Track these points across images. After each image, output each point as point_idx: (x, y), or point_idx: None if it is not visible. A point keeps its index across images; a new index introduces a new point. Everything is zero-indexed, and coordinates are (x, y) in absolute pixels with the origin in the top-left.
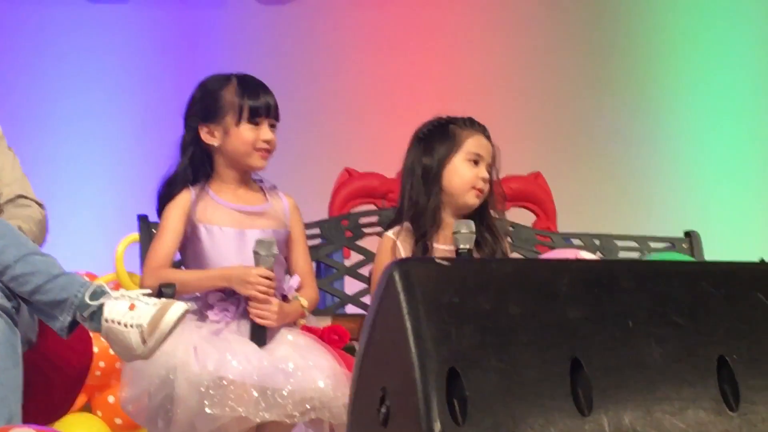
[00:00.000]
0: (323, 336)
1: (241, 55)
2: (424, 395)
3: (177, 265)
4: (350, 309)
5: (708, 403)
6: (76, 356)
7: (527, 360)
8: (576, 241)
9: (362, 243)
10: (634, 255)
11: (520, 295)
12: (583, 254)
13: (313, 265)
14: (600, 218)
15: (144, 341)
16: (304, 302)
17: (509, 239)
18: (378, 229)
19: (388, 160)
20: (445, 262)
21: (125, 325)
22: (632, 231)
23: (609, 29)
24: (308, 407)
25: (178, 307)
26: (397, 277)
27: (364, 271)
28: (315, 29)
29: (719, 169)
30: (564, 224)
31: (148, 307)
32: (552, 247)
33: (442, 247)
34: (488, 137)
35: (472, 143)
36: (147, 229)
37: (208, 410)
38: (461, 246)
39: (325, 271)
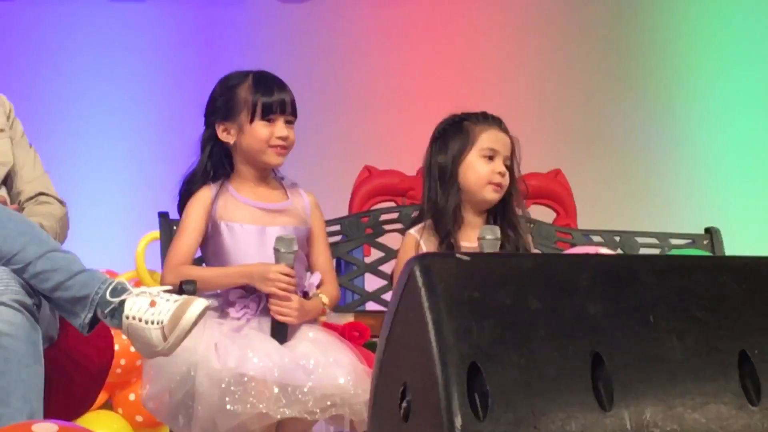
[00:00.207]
0: (344, 333)
1: (261, 52)
2: (445, 390)
3: (198, 262)
4: (370, 306)
5: (729, 397)
6: (97, 353)
7: (548, 355)
8: (596, 238)
9: (382, 240)
10: (655, 251)
11: (540, 290)
12: (603, 251)
13: (334, 262)
14: (620, 215)
15: (165, 338)
16: (325, 299)
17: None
18: (398, 225)
19: (408, 158)
20: (465, 258)
21: (146, 322)
22: (652, 228)
23: (627, 27)
24: (329, 404)
25: (198, 304)
26: (418, 272)
27: (385, 268)
28: (334, 27)
29: (739, 166)
30: (584, 221)
31: (168, 304)
32: (572, 244)
33: (465, 245)
34: (504, 130)
35: (486, 138)
36: (168, 227)
37: (229, 407)
38: (486, 252)
39: (346, 268)
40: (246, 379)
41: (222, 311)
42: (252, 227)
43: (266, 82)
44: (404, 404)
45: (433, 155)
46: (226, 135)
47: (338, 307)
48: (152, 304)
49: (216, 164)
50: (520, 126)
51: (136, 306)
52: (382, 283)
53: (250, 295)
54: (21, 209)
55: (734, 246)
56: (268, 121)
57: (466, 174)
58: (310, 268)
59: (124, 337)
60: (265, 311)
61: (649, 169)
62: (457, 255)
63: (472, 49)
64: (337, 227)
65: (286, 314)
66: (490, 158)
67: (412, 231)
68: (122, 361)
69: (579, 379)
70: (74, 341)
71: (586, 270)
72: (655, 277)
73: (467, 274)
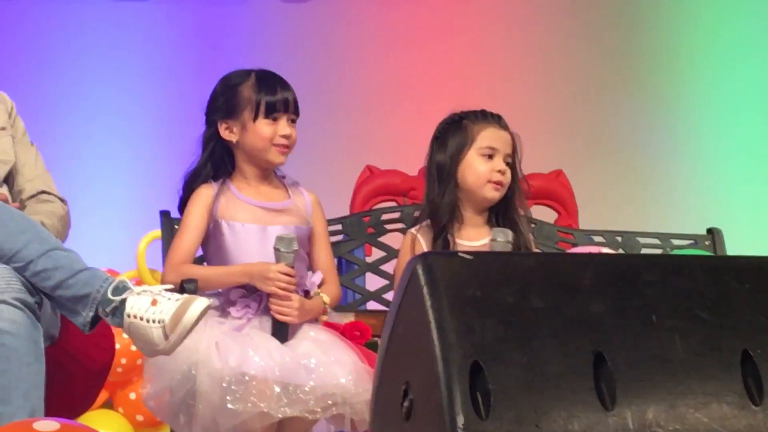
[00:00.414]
0: (345, 332)
1: (263, 52)
2: (447, 389)
3: (199, 261)
4: (372, 305)
5: (732, 397)
6: (98, 352)
7: (550, 354)
8: (598, 238)
9: (384, 239)
10: (657, 252)
11: (542, 289)
12: (605, 251)
13: (335, 261)
14: (622, 216)
15: (166, 336)
16: (326, 298)
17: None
18: (400, 225)
19: (410, 158)
20: (468, 256)
21: (147, 321)
22: (654, 229)
23: (629, 27)
24: (330, 403)
25: (200, 303)
26: (420, 270)
27: (386, 267)
28: (336, 26)
29: (741, 167)
30: (585, 222)
31: (170, 303)
32: (574, 244)
33: (465, 243)
34: (504, 127)
35: (485, 137)
36: (169, 225)
37: (230, 405)
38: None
39: (347, 267)
40: (247, 378)
41: (223, 310)
42: (253, 226)
43: (269, 81)
44: (406, 403)
45: (433, 154)
46: (228, 133)
47: (339, 307)
48: (154, 302)
49: (217, 163)
50: (522, 126)
51: (137, 305)
52: (384, 282)
53: (251, 295)
54: (22, 207)
55: (736, 247)
56: (272, 119)
57: (465, 173)
58: (311, 268)
59: (125, 336)
60: (266, 310)
61: (651, 170)
62: (460, 254)
63: (475, 49)
64: (339, 226)
65: (286, 314)
66: (490, 157)
67: (412, 230)
68: (123, 360)
69: (581, 379)
70: (75, 340)
71: (588, 269)
72: (658, 276)
73: (469, 273)
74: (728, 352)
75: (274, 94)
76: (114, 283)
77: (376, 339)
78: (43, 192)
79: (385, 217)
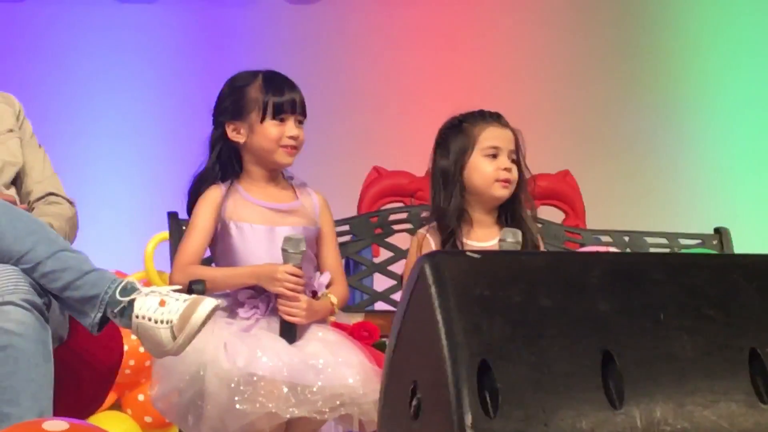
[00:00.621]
0: (353, 332)
1: (269, 53)
2: (455, 387)
3: (207, 261)
4: (380, 306)
5: (740, 395)
6: (106, 353)
7: (558, 352)
8: (605, 238)
9: (391, 240)
10: (664, 251)
11: (550, 288)
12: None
13: (343, 262)
14: (629, 216)
15: (174, 337)
16: (334, 299)
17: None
18: (407, 225)
19: (417, 159)
20: (475, 255)
21: (155, 321)
22: (661, 229)
23: (636, 27)
24: (338, 403)
25: (208, 303)
26: (428, 269)
27: (394, 267)
28: (343, 28)
29: (748, 166)
30: (593, 222)
31: (178, 303)
32: (582, 244)
33: (475, 245)
34: (504, 124)
35: (486, 137)
36: (177, 227)
37: (238, 406)
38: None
39: (355, 268)
40: (255, 378)
41: (231, 311)
42: (261, 227)
43: (277, 82)
44: (414, 402)
45: (437, 161)
46: (236, 134)
47: (347, 307)
48: (162, 303)
49: (225, 164)
50: (529, 127)
51: (145, 305)
52: (392, 283)
53: (259, 296)
54: (30, 209)
55: (743, 246)
56: (279, 120)
57: (471, 176)
58: (319, 268)
59: (133, 337)
60: (274, 311)
61: (658, 170)
62: (467, 253)
63: (481, 49)
64: (346, 227)
65: (294, 314)
66: (494, 156)
67: (421, 230)
68: (131, 362)
69: (589, 377)
70: (84, 341)
71: (596, 268)
72: (666, 275)
73: (477, 272)
74: (736, 351)
75: (281, 95)
76: (122, 284)
77: (384, 339)
78: (51, 194)
79: (392, 217)
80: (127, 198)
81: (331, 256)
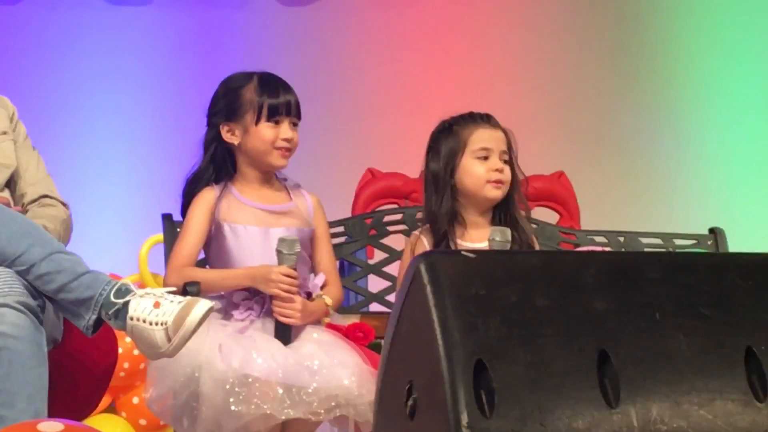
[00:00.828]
0: (348, 333)
1: (263, 55)
2: (451, 387)
3: (201, 263)
4: (374, 307)
5: (736, 394)
6: (101, 355)
7: (554, 352)
8: (600, 239)
9: (386, 241)
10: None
11: (546, 287)
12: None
13: (337, 263)
14: (624, 217)
15: (169, 339)
16: (329, 300)
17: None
18: (402, 227)
19: (411, 160)
20: (471, 255)
21: (150, 323)
22: (656, 229)
23: (630, 27)
24: (333, 404)
25: (203, 305)
26: (423, 269)
27: (389, 269)
28: (337, 30)
29: (743, 166)
30: (587, 223)
31: (173, 305)
32: (576, 245)
33: (469, 246)
34: (495, 125)
35: (476, 139)
36: (171, 228)
37: (233, 408)
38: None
39: (349, 269)
40: (250, 380)
41: (226, 313)
42: (255, 229)
43: (272, 84)
44: (410, 402)
45: (428, 164)
46: (230, 136)
47: (342, 309)
48: (156, 305)
49: (219, 165)
50: (523, 128)
51: (140, 307)
52: (386, 284)
53: (254, 297)
54: (24, 212)
55: (738, 246)
56: (274, 122)
57: (463, 178)
58: (313, 270)
59: (128, 339)
60: (269, 313)
61: (653, 170)
62: (463, 252)
63: (475, 51)
64: (341, 228)
65: (289, 315)
66: (485, 158)
67: (416, 231)
68: (126, 365)
69: (585, 376)
70: (78, 343)
71: (592, 267)
72: (662, 274)
73: (473, 272)
74: (732, 349)
75: (276, 98)
76: (117, 286)
77: (379, 340)
78: (45, 196)
79: (387, 218)
80: (121, 200)
81: (326, 257)
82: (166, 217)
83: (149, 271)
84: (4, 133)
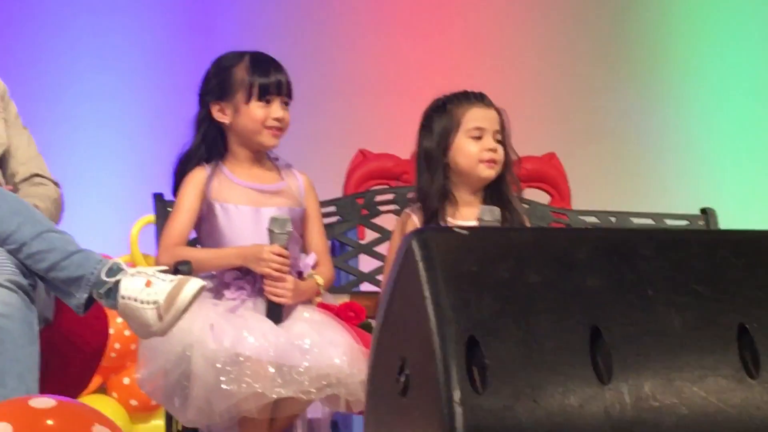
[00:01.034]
0: (339, 313)
1: (255, 36)
2: (443, 363)
3: (192, 243)
4: (366, 287)
5: (728, 371)
6: (92, 334)
7: (546, 328)
8: (591, 219)
9: (378, 221)
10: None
11: (539, 264)
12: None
13: (329, 243)
14: (615, 198)
15: (160, 318)
16: (320, 280)
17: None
18: (393, 207)
19: (403, 141)
20: (463, 232)
21: (141, 302)
22: (648, 210)
23: (621, 10)
24: (324, 384)
25: (194, 284)
26: (415, 246)
27: (380, 249)
28: (329, 11)
29: (733, 147)
30: (578, 204)
31: (164, 284)
32: (568, 225)
33: (459, 224)
34: (488, 104)
35: (470, 118)
36: (162, 208)
37: (224, 386)
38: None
39: (341, 249)
40: (242, 359)
41: (217, 292)
42: (247, 208)
43: (263, 63)
44: (402, 378)
45: (421, 142)
46: (221, 115)
47: (333, 288)
48: (148, 284)
49: (210, 145)
50: (514, 110)
51: (131, 286)
52: (378, 264)
53: (245, 276)
54: (15, 190)
55: (729, 226)
56: (265, 102)
57: (456, 157)
58: (304, 249)
59: (119, 320)
60: (260, 292)
61: (644, 152)
62: (455, 229)
63: (467, 33)
64: (332, 208)
65: (280, 295)
66: (479, 137)
67: (406, 210)
68: (117, 345)
69: (578, 353)
70: (69, 322)
71: (584, 244)
72: (654, 250)
73: (465, 248)
74: (725, 326)
75: (267, 77)
76: (108, 264)
77: (370, 320)
78: (36, 175)
79: (378, 198)
80: (112, 180)
81: (317, 237)
82: (157, 197)
83: (140, 251)
84: None
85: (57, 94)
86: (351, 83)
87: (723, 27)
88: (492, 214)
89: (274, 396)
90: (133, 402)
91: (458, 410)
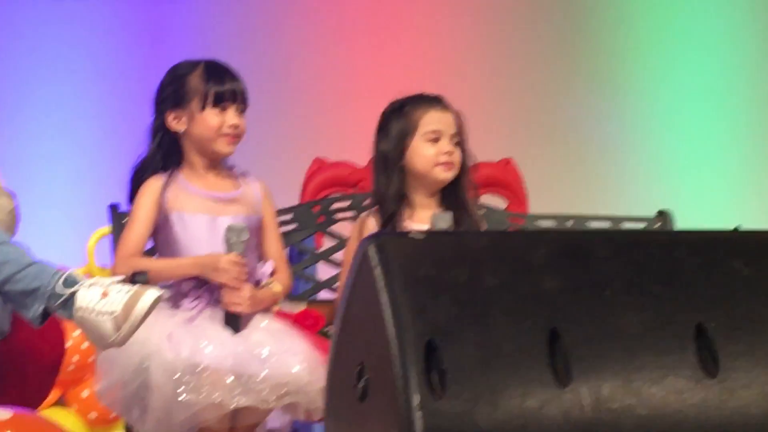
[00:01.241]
0: (297, 321)
1: (209, 45)
2: (402, 368)
3: (149, 252)
4: (323, 295)
5: (687, 370)
6: (49, 346)
7: (504, 331)
8: (549, 223)
9: (335, 229)
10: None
11: (495, 267)
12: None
13: (286, 251)
14: (572, 202)
15: (117, 328)
16: (278, 288)
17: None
18: (350, 213)
19: (359, 149)
20: (419, 236)
21: (98, 313)
22: (605, 213)
23: (576, 13)
24: (284, 392)
25: (151, 294)
26: (372, 251)
27: (337, 256)
28: (283, 18)
29: (689, 150)
30: (536, 209)
31: (120, 294)
32: (524, 229)
33: (416, 226)
34: (445, 107)
35: (427, 121)
36: (118, 219)
37: (183, 397)
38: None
39: (298, 257)
40: (200, 368)
41: (174, 302)
42: (203, 217)
43: (218, 71)
44: (361, 384)
45: (378, 144)
46: (176, 123)
47: (291, 296)
48: (104, 294)
49: (166, 153)
50: (470, 115)
51: (88, 297)
52: (335, 271)
53: (202, 286)
54: None
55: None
56: (220, 109)
57: (413, 160)
58: (262, 257)
59: (77, 333)
60: (218, 301)
61: (601, 155)
62: (411, 234)
63: (423, 39)
64: (289, 216)
65: (238, 304)
66: (435, 140)
67: (363, 215)
68: (75, 358)
69: (536, 355)
70: (26, 335)
71: (541, 246)
72: (611, 251)
73: (422, 253)
74: (682, 326)
75: (222, 84)
76: (64, 276)
77: (328, 328)
78: None
79: (335, 206)
80: (68, 192)
81: (274, 245)
82: (113, 208)
83: (97, 263)
84: None
85: (10, 105)
86: (307, 91)
87: (679, 31)
88: (445, 222)
89: (233, 405)
90: (93, 415)
91: (417, 415)
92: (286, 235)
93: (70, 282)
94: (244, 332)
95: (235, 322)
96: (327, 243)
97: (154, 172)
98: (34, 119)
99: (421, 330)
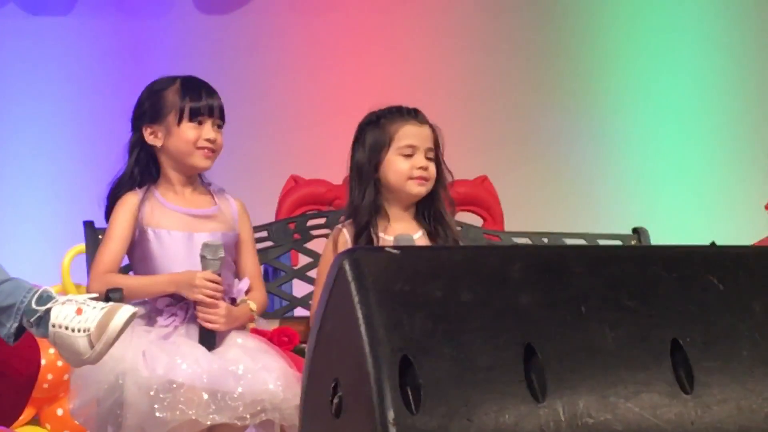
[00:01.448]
0: (273, 338)
1: (185, 64)
2: (377, 384)
3: (125, 269)
4: (299, 312)
5: (662, 386)
6: (23, 363)
7: (480, 347)
8: (524, 240)
9: (310, 245)
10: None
11: (471, 282)
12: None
13: (262, 268)
14: (548, 219)
15: (92, 345)
16: (253, 305)
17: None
18: (326, 231)
19: (335, 167)
20: (395, 251)
21: (72, 330)
22: (580, 230)
23: (551, 30)
24: (259, 409)
25: (125, 311)
26: (347, 266)
27: (313, 273)
28: (259, 37)
29: (664, 168)
30: (512, 227)
31: (95, 311)
32: None
33: (390, 239)
34: (422, 121)
35: (402, 135)
36: (93, 236)
37: (158, 414)
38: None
39: (274, 274)
40: (175, 385)
41: (150, 319)
42: (179, 233)
43: (195, 86)
44: (336, 400)
45: (354, 155)
46: (153, 138)
47: (267, 314)
48: (78, 311)
49: (143, 169)
50: (445, 133)
51: (62, 314)
52: (311, 288)
53: (177, 303)
54: None
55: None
56: (197, 123)
57: (387, 173)
58: (238, 275)
59: (51, 351)
60: (193, 318)
61: (576, 173)
62: (387, 248)
63: (398, 57)
64: (265, 233)
65: (213, 321)
66: (410, 155)
67: (338, 226)
68: (49, 376)
69: (512, 371)
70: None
71: (517, 261)
72: (586, 267)
73: (397, 268)
74: (658, 341)
75: (199, 99)
76: (38, 293)
77: (303, 345)
78: None
79: (310, 223)
80: (43, 209)
81: (250, 262)
82: (88, 225)
83: (72, 281)
84: None
85: None
86: (283, 109)
87: (653, 51)
88: (407, 244)
89: (209, 422)
90: None
91: (392, 430)
92: (261, 252)
93: (45, 299)
94: (220, 349)
95: (210, 339)
96: (303, 260)
97: (131, 187)
98: (9, 136)
99: (396, 345)
